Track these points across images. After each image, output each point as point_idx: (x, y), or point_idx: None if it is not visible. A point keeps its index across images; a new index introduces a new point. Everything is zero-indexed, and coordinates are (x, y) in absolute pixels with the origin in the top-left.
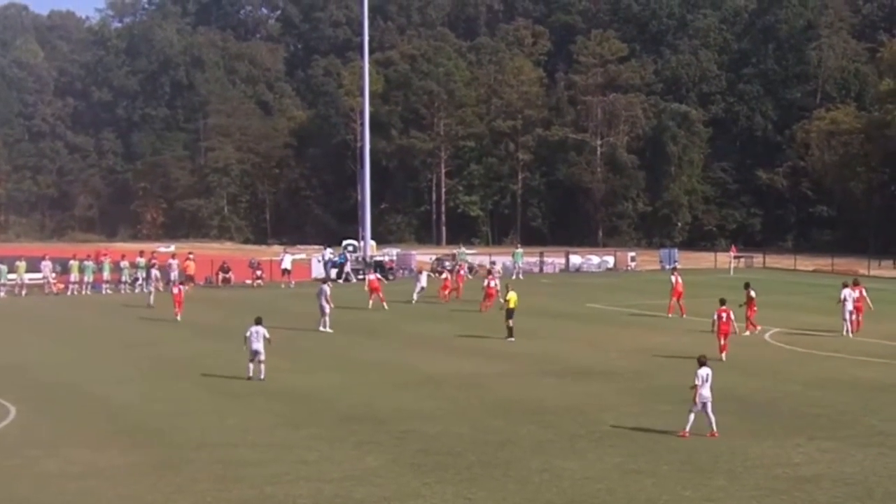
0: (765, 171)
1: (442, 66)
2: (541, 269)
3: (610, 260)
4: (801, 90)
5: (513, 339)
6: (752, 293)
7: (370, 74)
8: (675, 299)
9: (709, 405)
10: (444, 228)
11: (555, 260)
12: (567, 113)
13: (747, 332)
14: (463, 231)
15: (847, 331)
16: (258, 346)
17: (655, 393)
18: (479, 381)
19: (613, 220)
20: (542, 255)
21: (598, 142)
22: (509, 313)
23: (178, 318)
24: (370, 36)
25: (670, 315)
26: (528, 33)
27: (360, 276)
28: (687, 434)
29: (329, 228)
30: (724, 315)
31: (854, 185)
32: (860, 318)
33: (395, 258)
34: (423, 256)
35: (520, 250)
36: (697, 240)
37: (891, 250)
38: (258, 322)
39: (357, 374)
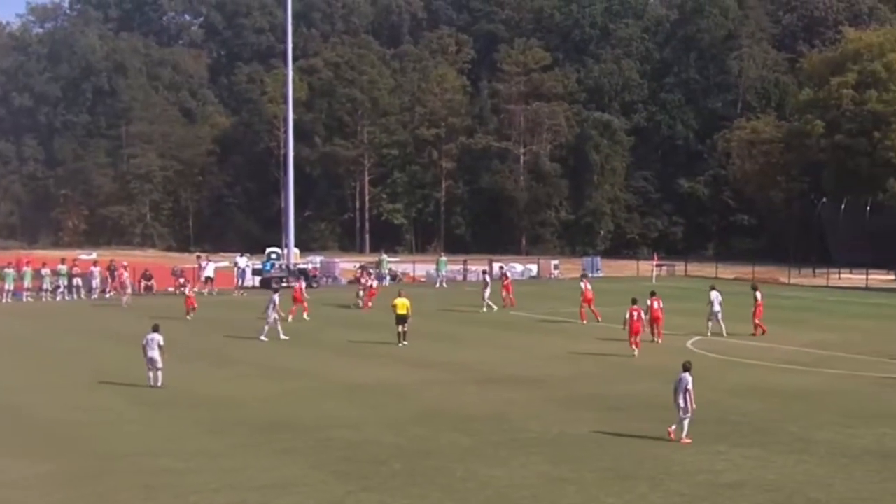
0: (686, 179)
1: (366, 73)
2: (464, 278)
3: (533, 268)
4: (722, 99)
5: (403, 344)
6: (759, 295)
7: (294, 82)
8: (586, 306)
9: (683, 409)
10: (367, 236)
11: (478, 268)
12: (490, 121)
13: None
14: (386, 239)
15: (711, 331)
16: (154, 353)
17: (579, 400)
18: (403, 388)
19: (536, 229)
20: (465, 263)
21: (522, 150)
22: (399, 319)
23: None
24: (294, 43)
25: (584, 322)
26: (451, 41)
27: (284, 284)
28: (686, 441)
29: (252, 236)
30: (635, 314)
31: (774, 193)
32: (760, 321)
33: (318, 266)
34: (347, 264)
35: (443, 258)
36: (620, 248)
37: (810, 259)
38: (155, 330)
39: (281, 382)
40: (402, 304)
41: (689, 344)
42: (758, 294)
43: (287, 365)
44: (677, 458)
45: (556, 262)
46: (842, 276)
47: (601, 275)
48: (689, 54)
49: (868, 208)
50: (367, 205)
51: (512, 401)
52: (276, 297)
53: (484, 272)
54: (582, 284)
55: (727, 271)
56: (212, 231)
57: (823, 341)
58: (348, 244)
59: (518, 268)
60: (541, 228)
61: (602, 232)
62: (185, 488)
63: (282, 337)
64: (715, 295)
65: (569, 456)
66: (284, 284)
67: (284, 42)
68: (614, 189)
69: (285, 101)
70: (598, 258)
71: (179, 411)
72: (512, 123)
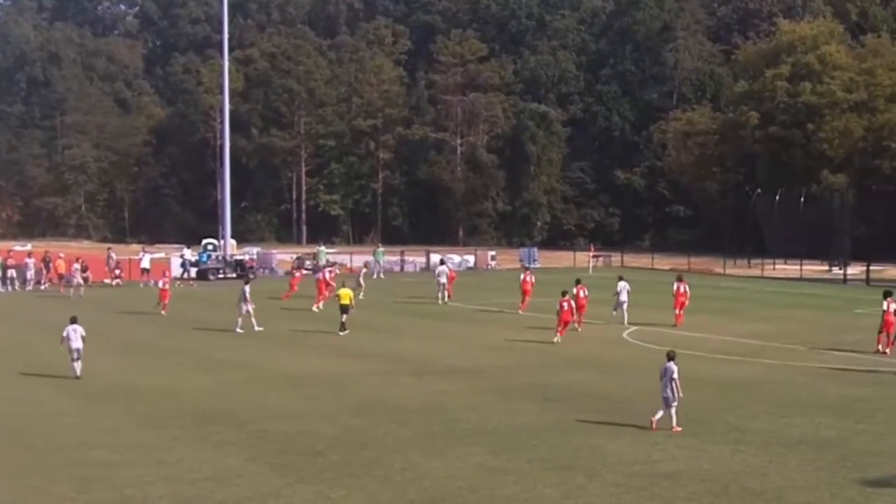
0: (622, 171)
1: (302, 64)
2: (402, 268)
3: (470, 259)
4: (658, 91)
5: (344, 332)
6: (679, 286)
7: (230, 72)
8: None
9: (669, 399)
10: (304, 227)
11: (415, 259)
12: (427, 112)
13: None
14: (324, 230)
15: (615, 320)
16: (78, 344)
17: (516, 390)
18: (340, 380)
19: (474, 220)
20: (402, 254)
21: (458, 141)
22: (342, 309)
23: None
24: (230, 33)
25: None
26: (388, 32)
27: (220, 275)
28: (677, 429)
29: (189, 227)
30: (565, 304)
31: (710, 185)
32: (681, 312)
33: (255, 257)
34: (284, 255)
35: (381, 249)
36: (557, 239)
37: (745, 249)
38: (73, 321)
39: (218, 374)
40: (346, 295)
41: (625, 335)
42: (679, 285)
43: (225, 357)
44: (614, 448)
45: (493, 252)
46: (776, 266)
47: (538, 265)
48: (624, 46)
49: (802, 199)
50: (303, 196)
51: (449, 392)
52: (248, 288)
53: (442, 262)
54: (521, 276)
55: (663, 262)
56: (148, 222)
57: (758, 332)
58: (285, 235)
59: (455, 258)
60: (478, 219)
61: (539, 223)
62: (121, 481)
63: (256, 328)
64: (623, 285)
65: (506, 447)
66: (221, 276)
67: (220, 32)
68: (551, 180)
69: (221, 92)
70: (535, 249)
71: (116, 403)
72: (449, 114)
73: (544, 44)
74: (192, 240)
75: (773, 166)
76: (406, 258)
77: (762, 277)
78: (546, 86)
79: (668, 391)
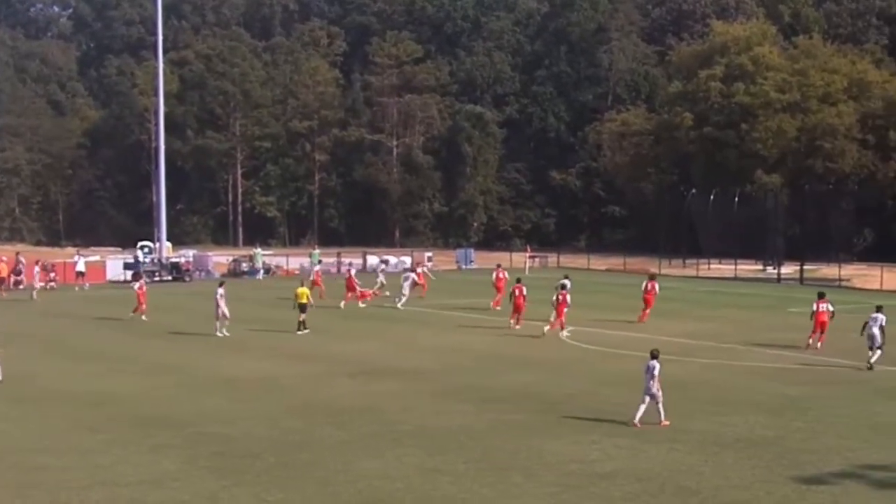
0: (558, 171)
1: (237, 66)
2: (338, 270)
3: (407, 260)
4: (593, 92)
5: (303, 332)
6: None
7: (164, 74)
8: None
9: (657, 396)
10: (240, 229)
11: (352, 260)
12: (363, 114)
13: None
14: (260, 232)
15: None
16: None
17: (453, 392)
18: (278, 382)
19: (410, 221)
20: (339, 255)
21: (394, 142)
22: (300, 308)
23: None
24: (164, 35)
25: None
26: (323, 34)
27: (156, 278)
28: (637, 424)
29: (124, 230)
30: (516, 291)
31: (645, 185)
32: (647, 311)
33: (191, 259)
34: (220, 258)
35: (317, 251)
36: (493, 240)
37: (680, 249)
38: None
39: (154, 377)
40: (303, 293)
41: (563, 335)
42: (648, 283)
43: (161, 360)
44: (551, 448)
45: (429, 253)
46: (711, 266)
47: (474, 266)
48: (559, 47)
49: (736, 199)
50: (239, 198)
51: (387, 393)
52: (222, 290)
53: (419, 264)
54: (499, 274)
55: (599, 262)
56: (83, 225)
57: (694, 331)
58: (221, 238)
59: (392, 260)
60: (414, 220)
61: (475, 224)
62: (58, 485)
63: (223, 333)
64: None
65: (443, 447)
66: (157, 278)
67: (154, 34)
68: (487, 181)
69: (156, 94)
70: (472, 250)
71: (52, 408)
72: (385, 116)
73: (480, 45)
74: (127, 243)
75: (707, 167)
76: (343, 260)
77: (697, 277)
78: (482, 87)
79: (655, 388)
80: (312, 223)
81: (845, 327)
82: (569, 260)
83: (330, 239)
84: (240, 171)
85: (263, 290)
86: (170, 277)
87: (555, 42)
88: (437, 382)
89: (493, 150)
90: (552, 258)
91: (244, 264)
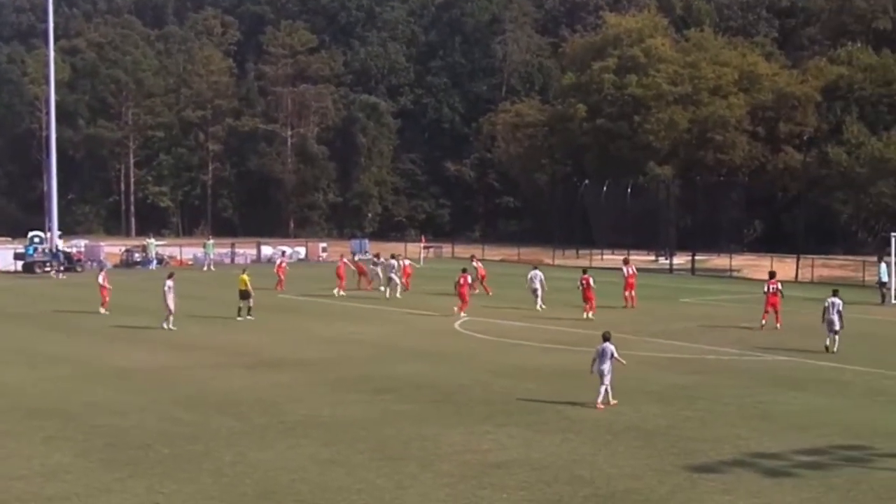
0: (453, 162)
1: (130, 54)
2: (232, 260)
3: (301, 250)
4: (488, 83)
5: (248, 318)
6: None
7: (56, 62)
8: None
9: (606, 378)
10: (133, 219)
11: (246, 251)
12: (257, 103)
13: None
14: (153, 222)
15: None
16: None
17: (348, 382)
18: (171, 373)
19: (305, 211)
20: (233, 245)
21: (289, 132)
22: (241, 294)
23: None
24: (55, 23)
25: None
26: (217, 23)
27: (47, 269)
28: (601, 406)
29: (14, 220)
30: (461, 280)
31: (539, 176)
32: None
33: (83, 250)
34: (113, 248)
35: (211, 241)
36: (388, 230)
37: (574, 240)
38: None
39: (45, 369)
40: (243, 281)
41: (456, 325)
42: (626, 268)
43: (52, 351)
44: (445, 438)
45: (324, 244)
46: (604, 256)
47: (369, 257)
48: (454, 38)
49: (629, 190)
50: (132, 188)
51: (281, 384)
52: (170, 282)
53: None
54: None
55: (494, 252)
56: None
57: (586, 321)
58: (114, 227)
59: (287, 250)
60: (309, 211)
61: (370, 214)
62: None
63: (169, 327)
64: (535, 273)
65: (337, 438)
66: (49, 269)
67: (45, 22)
68: (382, 171)
69: (47, 82)
70: (367, 240)
71: None
72: (279, 106)
73: (374, 35)
74: (17, 233)
75: (600, 158)
76: (237, 250)
77: (590, 267)
78: (376, 77)
79: (608, 369)
80: (206, 213)
81: (737, 318)
82: (463, 250)
83: (224, 229)
84: (132, 161)
85: (157, 280)
86: (62, 268)
87: (449, 33)
88: (333, 373)
89: (388, 141)
90: (447, 248)
91: (137, 254)
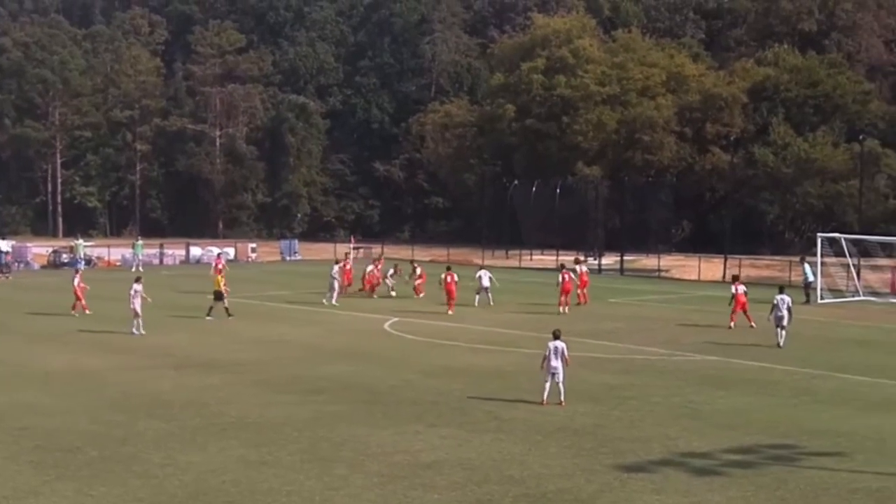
0: (382, 163)
1: (57, 54)
2: (161, 261)
3: (231, 251)
4: (416, 83)
5: (210, 318)
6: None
7: None
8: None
9: (559, 376)
10: (60, 220)
11: (175, 251)
12: (186, 103)
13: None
14: (81, 222)
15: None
16: None
17: (278, 383)
18: (101, 375)
19: (234, 212)
20: (162, 246)
21: (218, 133)
22: (216, 295)
23: None
24: None
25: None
26: (144, 22)
27: None
28: (545, 403)
29: None
30: (448, 278)
31: (468, 176)
32: (585, 291)
33: (10, 251)
34: (40, 249)
35: (140, 242)
36: (317, 231)
37: (503, 240)
38: None
39: None
40: (216, 281)
41: (386, 326)
42: (577, 268)
43: None
44: (375, 439)
45: (253, 244)
46: (533, 257)
47: (299, 258)
48: (383, 38)
49: (558, 191)
50: (59, 188)
51: (211, 385)
52: (137, 287)
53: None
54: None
55: (423, 253)
56: None
57: (516, 321)
58: (41, 228)
59: (215, 251)
60: (238, 211)
61: (299, 215)
62: None
63: (138, 331)
64: (483, 272)
65: (267, 439)
66: None
67: None
68: (311, 172)
69: None
70: (296, 241)
71: None
72: (207, 106)
73: (303, 35)
74: None
75: (529, 158)
76: (166, 251)
77: (520, 268)
78: (305, 77)
79: (560, 366)
80: (134, 214)
81: (666, 318)
82: (393, 251)
83: (152, 230)
84: (59, 161)
85: (86, 282)
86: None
87: (378, 33)
88: (262, 374)
89: (317, 141)
90: (376, 249)
91: (64, 255)
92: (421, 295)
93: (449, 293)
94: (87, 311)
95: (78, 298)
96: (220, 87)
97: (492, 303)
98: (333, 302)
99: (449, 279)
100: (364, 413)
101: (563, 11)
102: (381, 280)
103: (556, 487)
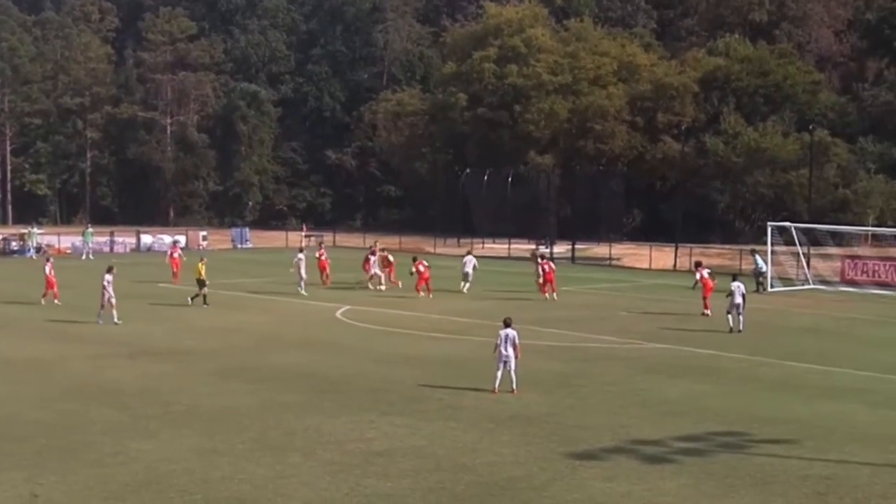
0: (334, 151)
1: (6, 40)
2: (111, 249)
3: (182, 239)
4: (369, 72)
5: (191, 304)
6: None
7: None
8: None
9: (511, 363)
10: (10, 208)
11: (125, 239)
12: (137, 91)
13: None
14: (31, 210)
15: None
16: None
17: (230, 372)
18: (52, 363)
19: (185, 200)
20: (112, 234)
21: (168, 120)
22: (199, 283)
23: None
24: None
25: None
26: (94, 9)
27: None
28: (496, 391)
29: None
30: (421, 267)
31: (420, 165)
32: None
33: None
34: None
35: (90, 230)
36: (269, 219)
37: (455, 229)
38: None
39: None
40: (198, 269)
41: (338, 314)
42: (543, 264)
43: None
44: (328, 427)
45: (204, 233)
46: (485, 245)
47: (250, 246)
48: (335, 26)
49: (510, 180)
50: (9, 175)
51: (163, 374)
52: (109, 277)
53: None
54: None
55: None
56: None
57: (468, 309)
58: None
59: (166, 239)
60: (189, 199)
61: (250, 203)
62: None
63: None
64: (469, 259)
65: (220, 428)
66: None
67: None
68: (262, 160)
69: None
70: (247, 229)
71: None
72: (158, 93)
73: (254, 23)
74: None
75: (481, 147)
76: (116, 238)
77: (477, 256)
78: (257, 65)
79: (512, 355)
80: (84, 201)
81: (617, 306)
82: (344, 239)
83: (102, 217)
84: (9, 148)
85: (38, 269)
86: None
87: (330, 21)
88: (215, 363)
89: (269, 129)
90: (328, 237)
91: (14, 243)
92: (421, 294)
93: (425, 280)
94: (57, 301)
95: (49, 286)
96: (172, 74)
97: (465, 290)
98: (302, 291)
99: (422, 268)
100: (317, 402)
101: (516, 0)
102: (375, 272)
103: (509, 475)
